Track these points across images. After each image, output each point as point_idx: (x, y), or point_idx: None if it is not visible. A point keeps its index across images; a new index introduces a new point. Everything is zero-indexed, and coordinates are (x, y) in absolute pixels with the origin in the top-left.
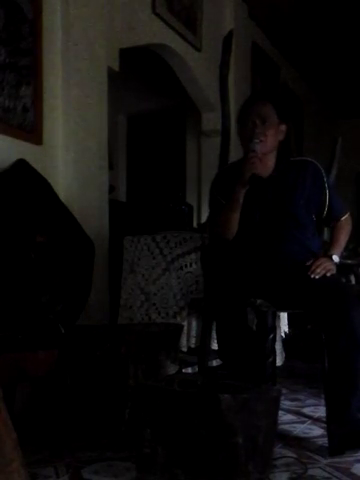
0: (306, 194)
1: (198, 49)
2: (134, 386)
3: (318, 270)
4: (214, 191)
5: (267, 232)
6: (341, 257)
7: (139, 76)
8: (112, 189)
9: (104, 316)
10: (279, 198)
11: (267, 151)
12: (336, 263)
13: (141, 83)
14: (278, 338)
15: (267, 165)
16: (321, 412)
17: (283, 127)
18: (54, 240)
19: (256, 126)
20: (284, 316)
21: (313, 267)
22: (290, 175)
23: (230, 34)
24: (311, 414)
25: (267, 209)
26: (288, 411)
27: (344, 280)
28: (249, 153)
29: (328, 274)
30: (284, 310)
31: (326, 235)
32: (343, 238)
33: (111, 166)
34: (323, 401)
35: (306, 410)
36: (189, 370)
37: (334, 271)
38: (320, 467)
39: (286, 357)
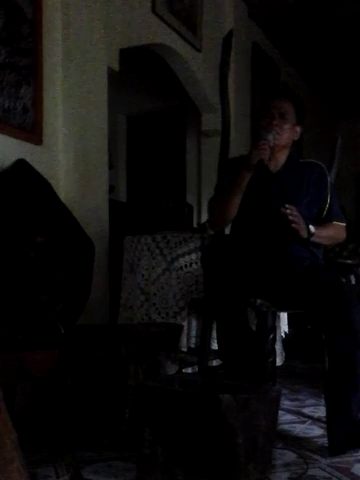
0: (309, 194)
1: (198, 49)
2: (134, 386)
3: (293, 212)
4: (221, 176)
5: (268, 230)
6: (341, 257)
7: (139, 76)
8: (112, 189)
9: (104, 316)
10: (283, 194)
11: (280, 144)
12: (310, 232)
13: (141, 83)
14: (278, 338)
15: (277, 160)
16: (321, 412)
17: (299, 128)
18: (54, 240)
19: (274, 119)
20: (284, 316)
21: (291, 208)
22: (297, 174)
23: (230, 34)
24: (311, 414)
25: (270, 205)
26: (288, 411)
27: (344, 280)
28: (260, 140)
29: (294, 223)
30: (284, 310)
31: None
32: (329, 229)
33: (111, 166)
34: (323, 401)
35: (306, 410)
36: (189, 370)
37: (302, 229)
38: (320, 467)
39: (286, 357)
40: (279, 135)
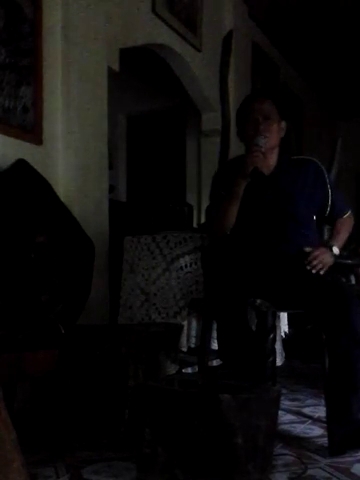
0: (307, 193)
1: (198, 49)
2: (134, 386)
3: (315, 262)
4: (216, 183)
5: (266, 231)
6: (341, 257)
7: (139, 76)
8: (112, 189)
9: (104, 316)
10: (279, 196)
11: (271, 147)
12: (335, 255)
13: (141, 83)
14: (278, 338)
15: (269, 162)
16: (321, 412)
17: (283, 124)
18: (54, 240)
19: (259, 123)
20: (284, 316)
21: (311, 258)
22: (291, 174)
23: (230, 34)
24: (311, 414)
25: (267, 207)
26: (288, 411)
27: (344, 280)
28: (252, 147)
29: (322, 270)
30: (284, 310)
31: (326, 235)
32: (344, 232)
33: (111, 166)
34: (323, 401)
35: (306, 410)
36: (189, 370)
37: (331, 263)
38: (320, 467)
39: (286, 357)
40: (269, 139)
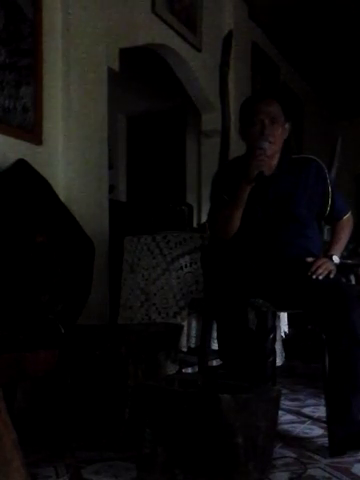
0: (308, 193)
1: (198, 49)
2: (134, 386)
3: (320, 271)
4: (217, 187)
5: (268, 232)
6: (341, 257)
7: (139, 76)
8: (112, 189)
9: (104, 316)
10: (280, 197)
11: (274, 151)
12: (336, 264)
13: (141, 83)
14: (278, 338)
15: (270, 164)
16: (321, 412)
17: (287, 126)
18: (54, 240)
19: (265, 127)
20: (284, 316)
21: (314, 267)
22: (292, 174)
23: (230, 34)
24: (311, 414)
25: (268, 208)
26: (288, 411)
27: (344, 280)
28: (256, 150)
29: (331, 275)
30: (284, 310)
31: (326, 235)
32: (344, 238)
33: (111, 166)
34: (323, 401)
35: (306, 410)
36: (189, 370)
37: (335, 272)
38: (320, 467)
39: (286, 357)
40: (273, 143)
